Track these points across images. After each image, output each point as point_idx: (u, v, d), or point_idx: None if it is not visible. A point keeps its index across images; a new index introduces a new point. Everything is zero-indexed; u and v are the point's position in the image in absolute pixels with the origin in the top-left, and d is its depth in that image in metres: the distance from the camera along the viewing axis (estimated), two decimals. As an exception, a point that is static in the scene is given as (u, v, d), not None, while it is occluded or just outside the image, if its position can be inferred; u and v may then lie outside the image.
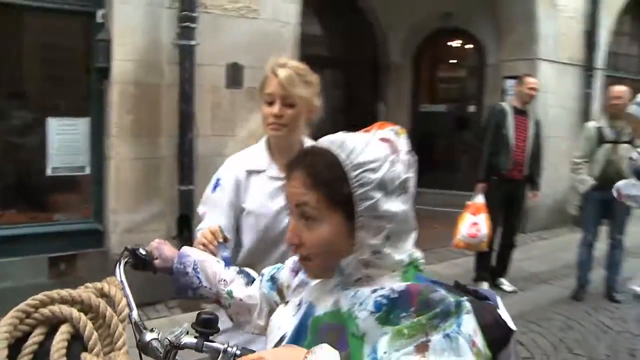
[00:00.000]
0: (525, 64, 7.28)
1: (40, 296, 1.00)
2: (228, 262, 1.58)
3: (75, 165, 4.38)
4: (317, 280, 1.13)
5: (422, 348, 0.88)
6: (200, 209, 1.94)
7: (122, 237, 4.27)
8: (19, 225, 4.26)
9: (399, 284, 1.00)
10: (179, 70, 4.32)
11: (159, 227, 4.40)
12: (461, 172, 8.48)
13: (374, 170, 0.99)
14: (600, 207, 4.84)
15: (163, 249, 1.46)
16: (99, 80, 4.29)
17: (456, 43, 8.67)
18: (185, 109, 4.34)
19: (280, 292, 1.34)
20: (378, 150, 1.01)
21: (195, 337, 1.11)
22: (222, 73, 4.59)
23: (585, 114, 7.74)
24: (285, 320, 1.13)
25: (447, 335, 0.88)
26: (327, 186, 1.00)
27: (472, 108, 8.48)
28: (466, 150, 8.46)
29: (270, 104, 1.80)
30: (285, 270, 1.33)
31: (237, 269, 1.46)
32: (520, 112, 5.15)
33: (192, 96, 4.35)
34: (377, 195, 0.99)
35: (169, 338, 1.12)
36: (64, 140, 4.30)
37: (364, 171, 0.99)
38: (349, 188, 0.99)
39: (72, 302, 1.01)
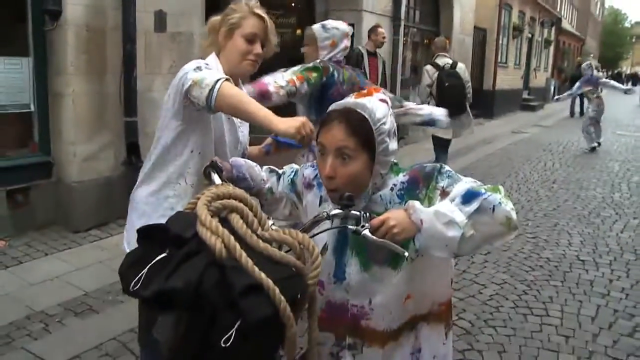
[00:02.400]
0: (352, 14, 8.89)
1: (214, 191, 1.30)
2: (269, 149, 2.15)
3: (20, 102, 4.67)
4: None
5: (443, 194, 1.43)
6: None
7: (81, 166, 4.80)
8: (-25, 160, 4.48)
9: (403, 177, 1.50)
10: (122, 15, 4.85)
11: (110, 155, 4.99)
12: (291, 107, 9.91)
13: (384, 123, 1.45)
14: None
15: (223, 162, 1.70)
16: (44, 22, 4.60)
17: (288, -6, 9.87)
18: (130, 49, 4.92)
19: (297, 195, 1.74)
20: (383, 109, 1.46)
21: (340, 209, 1.40)
22: (150, 19, 5.20)
23: (394, 55, 9.79)
24: (322, 233, 1.50)
25: (448, 176, 1.46)
26: (360, 134, 1.42)
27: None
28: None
29: (251, 42, 1.95)
30: (299, 180, 1.73)
31: (267, 168, 1.83)
32: (372, 55, 6.75)
33: (134, 38, 4.94)
34: (387, 140, 1.46)
35: (327, 212, 1.43)
36: (8, 79, 4.56)
37: (380, 124, 1.44)
38: (373, 136, 1.43)
39: (233, 197, 1.30)
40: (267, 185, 1.75)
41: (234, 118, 2.00)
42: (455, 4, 12.66)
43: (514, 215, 1.32)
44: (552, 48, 26.10)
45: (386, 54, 9.51)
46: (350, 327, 1.53)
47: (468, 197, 1.32)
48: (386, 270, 1.47)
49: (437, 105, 5.93)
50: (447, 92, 6.18)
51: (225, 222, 1.22)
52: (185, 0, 5.56)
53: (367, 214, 1.35)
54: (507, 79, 17.82)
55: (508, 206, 1.32)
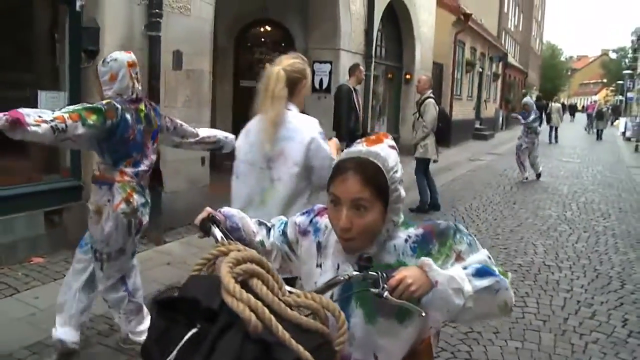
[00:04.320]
0: (330, 52, 9.80)
1: (234, 256, 1.20)
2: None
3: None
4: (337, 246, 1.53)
5: (459, 258, 1.43)
6: None
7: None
8: (18, 185, 4.96)
9: (416, 230, 1.48)
10: (148, 54, 5.50)
11: (134, 179, 5.56)
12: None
13: (396, 171, 1.45)
14: None
15: (218, 214, 1.64)
16: (81, 60, 5.20)
17: (270, 32, 10.69)
18: (155, 85, 5.56)
19: (290, 246, 1.69)
20: (394, 156, 1.46)
21: (357, 271, 1.37)
22: (169, 58, 5.86)
23: (366, 89, 10.69)
24: (327, 279, 1.50)
25: (468, 244, 1.45)
26: (376, 185, 1.41)
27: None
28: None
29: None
30: (291, 229, 1.69)
31: (257, 220, 1.77)
32: (355, 90, 7.60)
33: (159, 75, 5.59)
34: (399, 187, 1.46)
35: (347, 274, 1.39)
36: (48, 111, 5.11)
37: (393, 173, 1.44)
38: (387, 185, 1.43)
39: (251, 261, 1.20)
40: (257, 238, 1.71)
41: None
42: (417, 42, 13.77)
43: (512, 302, 1.38)
44: (499, 81, 27.92)
45: (360, 88, 10.43)
46: None
47: (482, 272, 1.34)
48: (392, 324, 1.45)
49: (439, 133, 7.12)
50: (446, 122, 7.48)
51: (244, 286, 1.14)
52: (197, 42, 6.25)
53: (385, 274, 1.32)
54: (462, 110, 19.13)
55: (510, 293, 1.37)
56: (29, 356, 3.25)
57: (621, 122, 28.57)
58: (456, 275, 1.31)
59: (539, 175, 11.29)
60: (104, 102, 2.86)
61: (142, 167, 3.04)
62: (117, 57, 2.95)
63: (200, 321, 1.11)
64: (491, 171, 12.46)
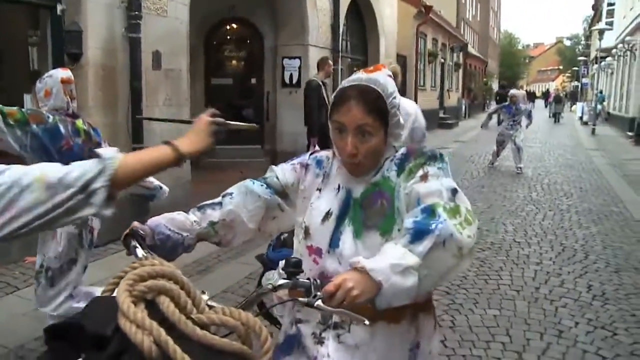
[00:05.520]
0: (299, 48, 10.05)
1: (138, 272, 1.04)
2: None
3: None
4: (341, 172, 1.56)
5: (424, 177, 1.44)
6: None
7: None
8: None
9: (402, 149, 1.55)
10: (129, 56, 5.64)
11: (120, 178, 5.71)
12: (246, 130, 10.81)
13: (395, 97, 1.49)
14: None
15: (144, 228, 1.46)
16: (64, 63, 5.31)
17: (239, 29, 10.85)
18: (137, 85, 5.71)
19: (282, 194, 1.64)
20: (392, 84, 1.50)
21: (285, 279, 1.25)
22: (149, 58, 6.01)
23: (335, 83, 10.94)
24: (327, 201, 1.55)
25: (439, 167, 1.46)
26: (378, 111, 1.46)
27: (254, 80, 10.86)
28: (252, 114, 10.88)
29: None
30: (286, 173, 1.65)
31: (194, 208, 1.61)
32: (324, 84, 7.79)
33: (141, 76, 5.74)
34: (398, 113, 1.51)
35: (272, 283, 1.26)
36: (32, 114, 5.22)
37: (392, 99, 1.48)
38: (387, 110, 1.47)
39: (161, 276, 1.06)
40: (204, 223, 1.57)
41: None
42: (380, 35, 14.12)
43: (467, 243, 1.27)
44: (461, 71, 28.60)
45: (329, 82, 10.69)
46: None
47: (418, 234, 1.25)
48: (375, 237, 1.45)
49: None
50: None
51: (153, 305, 1.03)
52: (175, 42, 6.40)
53: (318, 281, 1.23)
54: (426, 100, 19.60)
55: (464, 233, 1.27)
56: (40, 347, 3.41)
57: (578, 107, 29.63)
58: (394, 259, 1.22)
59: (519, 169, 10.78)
60: (28, 109, 2.88)
61: None
62: (52, 73, 3.00)
63: (87, 350, 0.98)
64: (458, 158, 12.90)
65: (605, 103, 27.04)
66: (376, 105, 1.45)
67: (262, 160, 10.40)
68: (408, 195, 1.44)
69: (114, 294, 1.07)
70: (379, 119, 1.46)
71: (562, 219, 6.99)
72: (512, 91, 11.97)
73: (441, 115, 22.71)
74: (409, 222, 1.30)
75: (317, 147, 6.96)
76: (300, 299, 1.22)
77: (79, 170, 1.24)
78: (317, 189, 1.59)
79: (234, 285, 4.53)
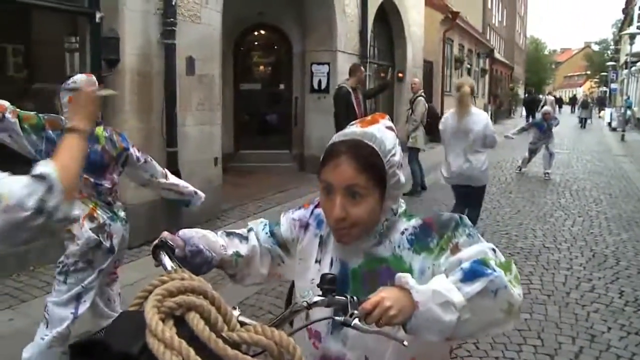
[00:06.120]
0: (328, 54, 10.15)
1: (167, 287, 1.01)
2: None
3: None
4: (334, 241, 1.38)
5: (455, 249, 1.25)
6: None
7: (134, 191, 5.63)
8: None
9: (415, 221, 1.34)
10: (164, 62, 5.80)
11: (155, 180, 5.85)
12: (275, 135, 10.98)
13: (394, 154, 1.31)
14: None
15: (174, 239, 1.39)
16: (101, 68, 5.49)
17: (267, 35, 11.02)
18: (172, 90, 5.86)
19: (283, 246, 1.53)
20: (392, 138, 1.32)
21: (321, 296, 1.16)
22: (183, 64, 6.16)
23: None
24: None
25: (468, 235, 1.28)
26: (372, 169, 1.27)
27: (282, 86, 11.00)
28: (280, 119, 11.02)
29: None
30: (286, 227, 1.52)
31: (223, 232, 1.53)
32: (355, 90, 7.89)
33: (175, 81, 5.89)
34: (398, 172, 1.32)
35: (306, 300, 1.19)
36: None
37: (391, 156, 1.30)
38: (385, 169, 1.29)
39: (190, 291, 1.02)
40: (230, 251, 1.48)
41: None
42: (407, 41, 14.15)
43: (518, 301, 1.14)
44: (487, 76, 28.43)
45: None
46: None
47: (472, 274, 1.12)
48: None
49: (428, 127, 7.69)
50: (434, 117, 8.54)
51: (182, 322, 0.99)
52: (208, 48, 6.55)
53: (355, 298, 1.13)
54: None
55: (515, 290, 1.14)
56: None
57: (607, 112, 29.20)
58: (439, 288, 1.10)
59: (547, 174, 10.80)
60: (45, 115, 2.89)
61: (105, 185, 3.02)
62: (77, 79, 2.90)
63: None
64: (485, 164, 12.84)
65: (635, 109, 26.61)
66: (369, 162, 1.27)
67: (290, 164, 10.55)
68: (440, 269, 1.24)
69: (142, 307, 1.03)
70: (372, 179, 1.27)
71: (591, 225, 6.94)
72: (546, 108, 11.61)
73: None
74: (467, 264, 1.15)
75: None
76: (337, 317, 1.13)
77: (25, 190, 1.28)
78: (316, 261, 1.43)
79: (243, 301, 4.30)
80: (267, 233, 1.54)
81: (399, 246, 1.32)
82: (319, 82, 10.28)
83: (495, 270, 1.12)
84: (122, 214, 3.15)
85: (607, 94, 40.19)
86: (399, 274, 1.14)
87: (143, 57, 5.65)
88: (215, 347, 0.95)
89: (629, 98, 26.75)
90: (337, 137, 1.34)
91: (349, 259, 1.36)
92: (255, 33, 11.12)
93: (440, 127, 5.81)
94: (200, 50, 6.39)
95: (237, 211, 7.16)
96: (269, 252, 1.53)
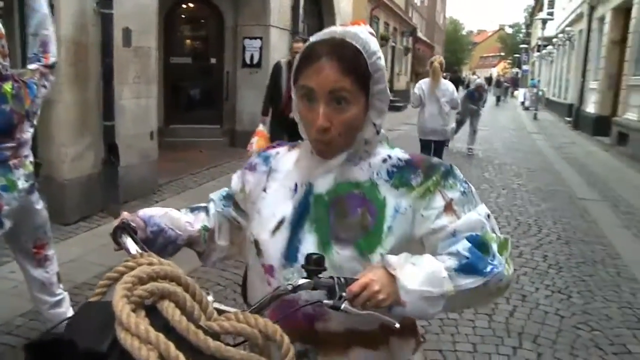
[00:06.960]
0: (260, 28, 10.09)
1: (136, 273, 0.89)
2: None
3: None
4: (295, 164, 1.27)
5: (449, 208, 1.13)
6: None
7: (70, 165, 5.47)
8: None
9: (400, 153, 1.21)
10: (101, 31, 5.60)
11: (91, 155, 5.70)
12: (206, 110, 10.84)
13: (380, 58, 1.16)
14: None
15: (135, 219, 1.25)
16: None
17: (199, 9, 10.78)
18: (109, 62, 5.68)
19: (235, 204, 1.39)
20: (376, 42, 1.17)
21: (306, 278, 1.05)
22: (120, 35, 5.97)
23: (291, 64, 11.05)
24: (277, 204, 1.23)
25: (463, 192, 1.15)
26: (357, 72, 1.12)
27: (213, 60, 10.83)
28: (211, 94, 10.87)
29: None
30: (235, 180, 1.40)
31: (187, 209, 1.42)
32: (289, 65, 7.90)
33: (112, 52, 5.71)
34: (383, 79, 1.18)
35: (291, 283, 1.06)
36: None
37: (376, 59, 1.15)
38: (370, 73, 1.14)
39: (162, 278, 0.91)
40: (197, 226, 1.36)
41: None
42: (337, 17, 14.29)
43: (506, 283, 1.13)
44: (410, 55, 29.17)
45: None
46: (302, 331, 1.19)
47: (468, 268, 1.08)
48: (348, 254, 1.15)
49: None
50: None
51: (153, 311, 0.87)
52: (144, 19, 6.37)
53: (343, 279, 1.05)
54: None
55: (509, 272, 1.13)
56: (26, 322, 3.44)
57: (520, 92, 30.91)
58: (429, 281, 1.06)
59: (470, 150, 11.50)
60: None
61: (8, 145, 2.62)
62: None
63: None
64: (410, 139, 13.25)
65: (545, 89, 28.31)
66: (354, 63, 1.13)
67: (221, 139, 10.47)
68: (429, 225, 1.16)
69: (104, 297, 0.93)
70: (358, 83, 1.14)
71: (514, 197, 7.47)
72: (479, 81, 12.56)
73: (391, 98, 23.09)
74: (465, 247, 1.10)
75: (260, 127, 6.77)
76: (325, 301, 1.05)
77: None
78: (263, 189, 1.31)
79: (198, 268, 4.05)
80: (221, 198, 1.43)
81: (377, 173, 1.20)
82: (251, 56, 10.22)
83: (494, 265, 1.10)
84: (23, 183, 2.72)
85: (519, 75, 42.41)
86: (388, 256, 1.09)
87: (78, 27, 5.43)
88: (196, 339, 0.85)
89: (533, 79, 28.70)
90: (315, 37, 1.20)
91: (317, 180, 1.22)
92: (186, 6, 10.85)
93: (416, 91, 7.24)
94: (137, 21, 6.21)
95: (173, 185, 7.09)
96: (225, 218, 1.40)
